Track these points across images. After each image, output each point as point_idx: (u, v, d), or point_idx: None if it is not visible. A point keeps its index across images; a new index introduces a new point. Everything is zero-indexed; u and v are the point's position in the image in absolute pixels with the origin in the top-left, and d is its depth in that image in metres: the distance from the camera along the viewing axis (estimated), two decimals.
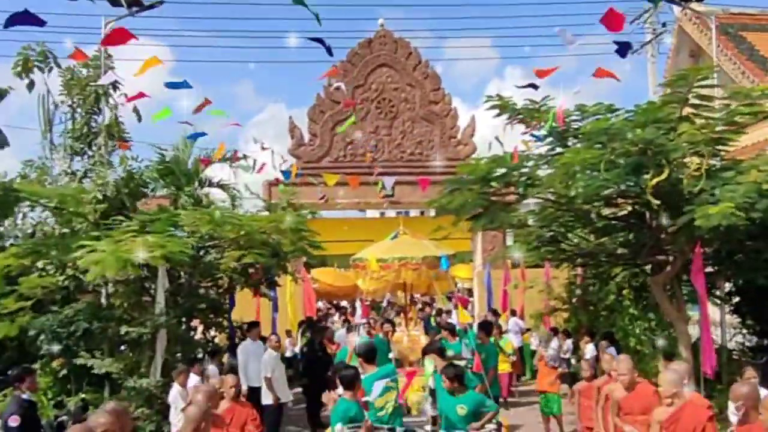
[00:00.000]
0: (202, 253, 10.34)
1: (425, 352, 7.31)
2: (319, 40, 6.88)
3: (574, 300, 14.72)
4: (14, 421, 5.81)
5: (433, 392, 5.67)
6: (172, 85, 9.00)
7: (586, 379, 7.77)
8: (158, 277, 9.14)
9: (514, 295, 15.75)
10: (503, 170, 8.88)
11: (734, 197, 7.23)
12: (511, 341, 12.76)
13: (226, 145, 12.22)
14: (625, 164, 7.99)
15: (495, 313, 15.02)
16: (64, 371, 9.26)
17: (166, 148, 11.35)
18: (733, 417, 5.35)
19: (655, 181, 7.57)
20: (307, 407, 10.69)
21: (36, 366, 9.84)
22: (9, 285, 9.18)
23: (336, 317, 19.94)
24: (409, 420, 6.33)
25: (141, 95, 8.32)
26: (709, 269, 9.90)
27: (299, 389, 11.74)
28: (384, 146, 18.28)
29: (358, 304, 14.57)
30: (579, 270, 14.21)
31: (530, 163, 9.52)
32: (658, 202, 7.76)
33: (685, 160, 8.53)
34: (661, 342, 9.73)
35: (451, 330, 9.68)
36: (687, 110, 8.68)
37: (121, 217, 9.15)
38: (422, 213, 26.86)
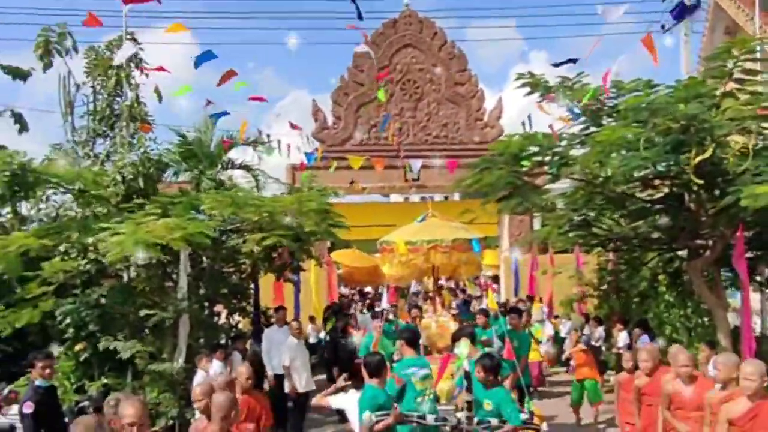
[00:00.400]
0: (224, 237, 10.16)
1: (455, 338, 7.00)
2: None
3: (604, 286, 14.33)
4: (28, 408, 5.67)
5: (468, 375, 5.39)
6: (199, 61, 8.86)
7: (627, 370, 7.19)
8: (180, 261, 8.96)
9: (543, 281, 15.39)
10: (536, 149, 8.50)
11: None
12: (541, 329, 12.38)
13: (250, 128, 12.04)
14: (666, 142, 7.57)
15: (530, 299, 14.71)
16: (86, 355, 9.14)
17: (188, 130, 11.13)
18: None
19: (698, 159, 7.15)
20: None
21: (60, 350, 9.82)
22: (31, 270, 9.09)
23: (359, 304, 19.73)
24: (439, 408, 6.03)
25: (161, 69, 8.10)
26: (748, 254, 9.47)
27: (323, 376, 11.57)
28: (409, 129, 17.95)
29: (383, 289, 14.29)
30: (610, 255, 13.80)
31: (563, 143, 9.14)
32: (701, 181, 7.34)
33: (726, 139, 8.11)
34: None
35: (486, 315, 9.37)
36: (729, 86, 8.24)
37: (142, 200, 8.98)
38: (446, 198, 26.50)
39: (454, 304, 15.03)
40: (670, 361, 6.03)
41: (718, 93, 7.97)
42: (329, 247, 18.20)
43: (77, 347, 9.26)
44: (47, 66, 10.11)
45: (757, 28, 15.77)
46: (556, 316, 14.70)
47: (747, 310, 8.32)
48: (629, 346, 10.79)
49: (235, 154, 12.46)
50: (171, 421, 8.68)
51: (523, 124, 8.86)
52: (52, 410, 5.87)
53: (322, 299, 15.26)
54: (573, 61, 7.94)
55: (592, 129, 9.32)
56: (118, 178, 8.91)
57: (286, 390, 9.27)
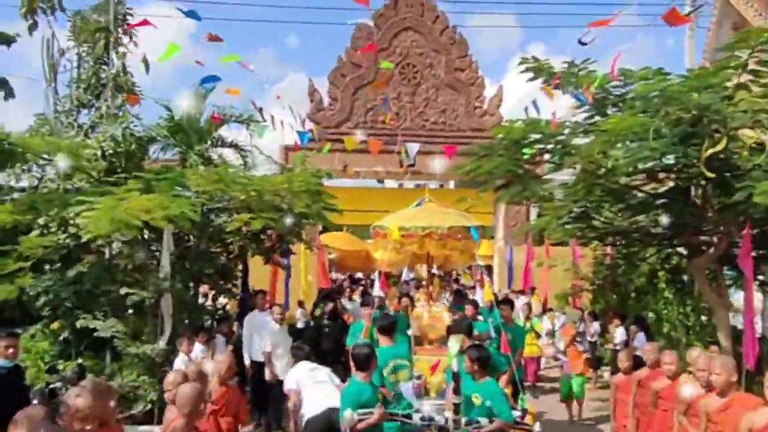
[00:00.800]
0: (211, 216, 9.79)
1: (451, 330, 6.64)
2: None
3: (599, 281, 14.06)
4: None
5: (456, 376, 5.03)
6: (204, 82, 9.13)
7: (623, 371, 6.73)
8: (163, 240, 8.59)
9: (537, 273, 15.11)
10: (538, 136, 8.14)
11: None
12: (540, 323, 12.06)
13: (241, 109, 11.60)
14: (675, 133, 7.23)
15: (531, 290, 14.43)
16: (65, 335, 8.78)
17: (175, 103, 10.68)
18: None
19: (710, 151, 6.81)
20: None
21: (36, 328, 9.45)
22: (8, 244, 8.70)
23: (348, 290, 19.34)
24: (429, 402, 5.69)
25: (145, 23, 7.66)
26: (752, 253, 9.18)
27: None
28: (406, 113, 17.55)
29: (375, 275, 13.91)
30: (608, 249, 13.51)
31: (566, 131, 8.79)
32: (712, 175, 7.01)
33: (736, 133, 7.78)
34: None
35: (475, 306, 9.04)
36: (743, 77, 7.89)
37: (125, 175, 8.59)
38: (441, 186, 26.14)
39: (447, 295, 14.68)
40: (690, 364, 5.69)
41: (730, 84, 7.61)
42: (320, 231, 17.85)
43: (53, 325, 8.90)
44: (33, 27, 9.63)
45: None
46: (550, 309, 14.41)
47: (750, 310, 8.04)
48: (626, 343, 10.52)
49: (228, 134, 12.08)
50: (150, 405, 8.36)
51: (526, 109, 8.48)
52: (16, 392, 5.51)
53: (312, 284, 14.90)
54: (583, 43, 7.56)
55: (597, 118, 9.00)
56: (98, 153, 8.47)
57: (267, 377, 8.89)
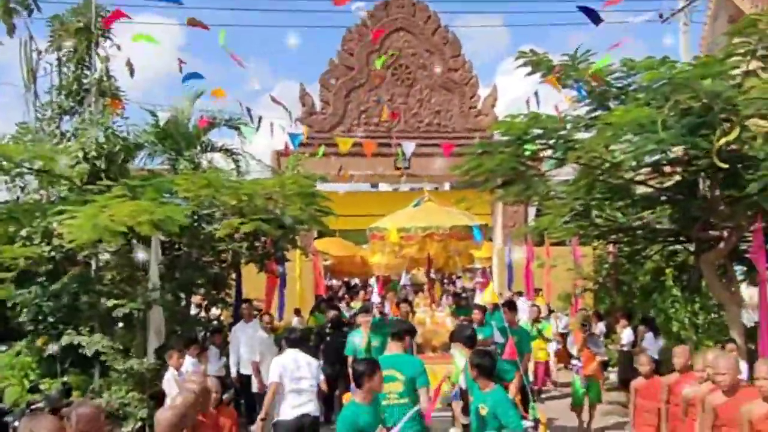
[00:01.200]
0: (201, 223, 9.42)
1: (453, 338, 6.22)
2: None
3: (602, 280, 13.75)
4: None
5: (464, 394, 4.68)
6: (186, 79, 9.11)
7: (644, 375, 6.32)
8: (151, 248, 8.21)
9: (539, 274, 14.77)
10: (540, 131, 7.80)
11: None
12: (549, 326, 11.64)
13: (230, 113, 11.24)
14: (683, 124, 6.91)
15: (537, 292, 14.09)
16: (50, 351, 8.37)
17: (162, 109, 10.30)
18: None
19: (723, 140, 6.50)
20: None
21: (21, 344, 9.04)
22: None
23: (347, 297, 18.94)
24: (435, 415, 5.33)
25: (119, 14, 7.31)
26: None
27: None
28: (400, 115, 17.21)
29: (373, 280, 13.50)
30: (610, 247, 13.19)
31: (568, 126, 8.47)
32: (725, 165, 6.69)
33: (746, 123, 7.47)
34: None
35: (483, 310, 8.63)
36: (752, 64, 7.59)
37: (109, 182, 8.20)
38: (437, 188, 25.80)
39: (445, 298, 14.28)
40: (710, 367, 5.27)
41: (739, 72, 7.31)
42: (316, 237, 17.49)
43: (39, 341, 8.50)
44: (11, 30, 9.26)
45: None
46: (552, 311, 14.07)
47: (765, 306, 7.72)
48: (634, 344, 10.19)
49: (219, 140, 11.73)
50: (140, 423, 7.98)
51: (528, 102, 8.15)
52: None
53: (307, 292, 14.55)
54: (597, 20, 7.27)
55: (599, 112, 8.69)
56: (80, 155, 8.08)
57: (254, 389, 8.52)
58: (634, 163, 8.27)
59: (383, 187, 24.26)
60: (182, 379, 6.10)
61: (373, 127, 16.89)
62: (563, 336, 12.07)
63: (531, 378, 9.34)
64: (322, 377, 6.69)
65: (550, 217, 9.77)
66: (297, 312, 13.92)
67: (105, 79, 9.58)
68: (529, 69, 8.89)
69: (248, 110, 9.23)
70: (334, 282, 23.00)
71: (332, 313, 10.52)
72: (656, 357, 8.82)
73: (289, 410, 6.26)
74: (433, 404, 5.76)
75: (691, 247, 10.23)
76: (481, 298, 10.57)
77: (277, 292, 12.80)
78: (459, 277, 21.73)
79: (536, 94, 8.26)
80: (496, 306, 8.22)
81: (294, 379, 6.33)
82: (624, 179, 8.82)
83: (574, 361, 9.33)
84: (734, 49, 7.39)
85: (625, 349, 10.32)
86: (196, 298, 11.17)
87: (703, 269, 8.78)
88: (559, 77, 8.36)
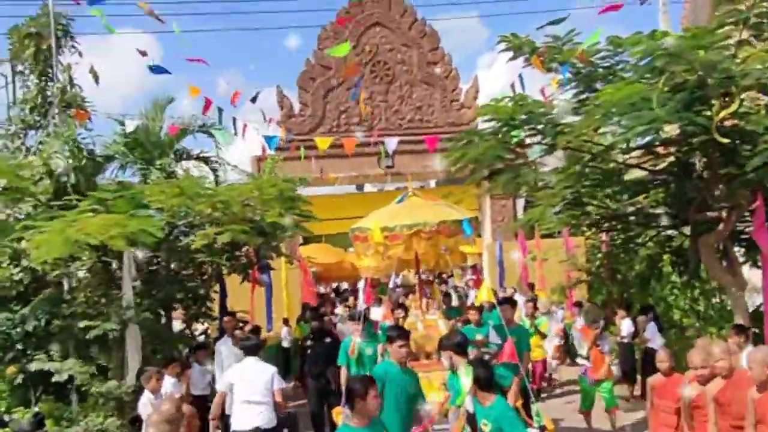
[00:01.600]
0: (178, 235, 8.96)
1: (441, 347, 5.68)
2: None
3: (596, 270, 13.41)
4: None
5: (472, 419, 4.28)
6: (155, 70, 8.69)
7: (663, 372, 5.76)
8: (123, 264, 7.75)
9: (531, 268, 14.43)
10: (526, 116, 7.40)
11: None
12: (547, 322, 11.22)
13: (206, 119, 10.78)
14: (678, 99, 6.53)
15: (531, 287, 13.69)
16: (19, 380, 7.88)
17: (131, 118, 9.82)
18: None
19: (723, 113, 6.14)
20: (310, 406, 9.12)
21: None
22: None
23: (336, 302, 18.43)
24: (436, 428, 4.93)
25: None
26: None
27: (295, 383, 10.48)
28: (381, 113, 16.83)
29: (361, 284, 13.01)
30: (603, 236, 12.85)
31: (555, 111, 8.09)
32: (726, 140, 6.34)
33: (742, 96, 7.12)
34: None
35: (480, 311, 8.20)
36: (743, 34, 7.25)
37: (77, 197, 7.74)
38: (422, 187, 25.42)
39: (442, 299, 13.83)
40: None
41: (732, 42, 6.96)
42: (301, 243, 17.04)
43: (9, 370, 8.00)
44: None
45: None
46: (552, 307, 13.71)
47: None
48: (634, 335, 9.83)
49: (194, 147, 11.28)
50: None
51: (513, 86, 7.76)
52: None
53: (295, 301, 14.11)
54: (560, 20, 6.94)
55: (586, 95, 8.32)
56: (43, 170, 7.61)
57: None
58: (625, 146, 7.93)
59: (368, 188, 23.84)
60: (158, 402, 5.64)
61: (354, 126, 16.47)
62: (563, 331, 11.67)
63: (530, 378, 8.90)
64: (277, 386, 6.25)
65: (540, 208, 9.36)
66: (285, 322, 13.47)
67: (69, 89, 9.10)
68: (511, 54, 8.55)
69: (219, 110, 8.78)
70: (321, 289, 22.50)
71: (314, 323, 9.98)
72: None
73: (240, 422, 6.05)
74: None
75: (687, 231, 9.90)
76: (476, 298, 10.09)
77: (265, 302, 12.36)
78: (451, 276, 21.25)
79: (520, 77, 7.86)
80: (492, 304, 7.80)
81: (245, 389, 6.11)
82: (616, 162, 8.46)
83: (581, 362, 8.88)
84: (724, 19, 7.04)
85: (625, 341, 9.96)
86: (178, 314, 10.70)
87: (702, 253, 8.41)
88: (543, 60, 7.98)
